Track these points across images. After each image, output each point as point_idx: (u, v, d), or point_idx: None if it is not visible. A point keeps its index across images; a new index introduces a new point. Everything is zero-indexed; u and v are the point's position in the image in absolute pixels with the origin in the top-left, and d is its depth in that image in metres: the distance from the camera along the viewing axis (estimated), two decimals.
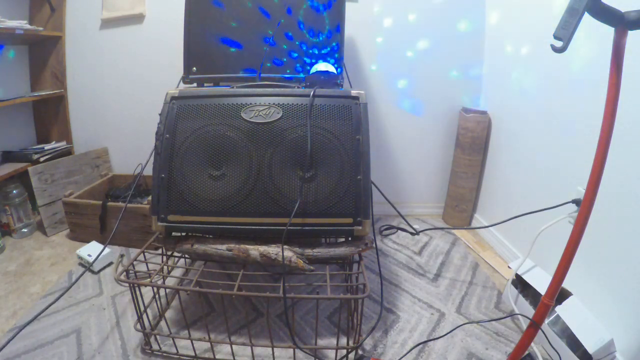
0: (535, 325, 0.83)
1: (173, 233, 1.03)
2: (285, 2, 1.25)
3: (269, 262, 0.94)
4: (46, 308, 1.01)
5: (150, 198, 1.60)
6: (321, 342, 1.05)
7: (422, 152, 1.86)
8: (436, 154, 1.87)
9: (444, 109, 1.78)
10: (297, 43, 1.26)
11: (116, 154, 1.95)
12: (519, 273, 1.18)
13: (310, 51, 1.27)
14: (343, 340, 1.03)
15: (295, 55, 1.27)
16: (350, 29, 1.55)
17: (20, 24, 1.48)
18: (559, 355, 0.97)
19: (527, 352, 0.94)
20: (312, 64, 1.25)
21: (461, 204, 1.78)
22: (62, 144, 1.83)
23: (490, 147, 1.69)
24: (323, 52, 1.27)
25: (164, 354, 0.99)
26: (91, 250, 1.40)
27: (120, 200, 1.61)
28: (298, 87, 1.09)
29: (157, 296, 1.02)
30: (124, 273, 0.93)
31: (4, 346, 0.92)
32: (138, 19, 1.70)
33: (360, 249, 0.99)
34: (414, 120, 1.80)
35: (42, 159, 1.66)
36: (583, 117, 1.10)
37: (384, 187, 1.39)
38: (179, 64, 1.31)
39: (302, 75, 1.27)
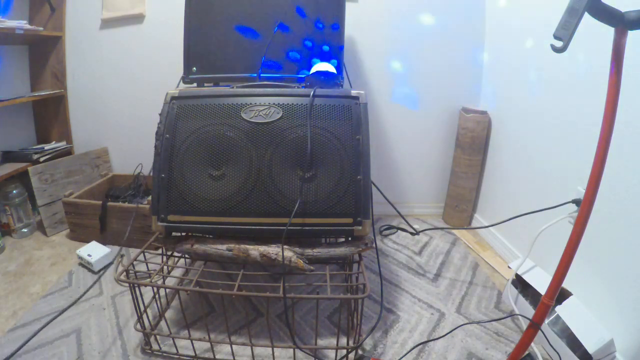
0: (535, 325, 0.83)
1: (173, 233, 1.03)
2: (286, 2, 1.25)
3: (269, 262, 0.94)
4: (63, 311, 1.01)
5: (150, 198, 1.61)
6: (321, 342, 1.05)
7: (422, 152, 1.86)
8: (436, 154, 1.87)
9: (444, 109, 1.78)
10: (297, 43, 1.26)
11: (116, 154, 1.95)
12: (519, 273, 1.18)
13: (311, 51, 1.27)
14: (343, 340, 1.03)
15: (296, 55, 1.27)
16: (350, 29, 1.55)
17: (20, 24, 1.47)
18: (559, 355, 0.97)
19: (527, 352, 0.94)
20: (312, 64, 1.25)
21: (461, 204, 1.78)
22: (62, 144, 1.83)
23: (490, 147, 1.69)
24: (323, 51, 1.27)
25: (164, 354, 0.99)
26: (91, 250, 1.40)
27: (120, 200, 1.61)
28: (298, 87, 1.09)
29: (157, 296, 1.02)
30: (124, 273, 0.93)
31: (17, 350, 0.90)
32: (138, 19, 1.69)
33: (360, 249, 0.99)
34: (414, 120, 1.80)
35: (42, 159, 1.66)
36: (583, 116, 1.10)
37: (384, 187, 1.39)
38: (179, 64, 1.31)
39: (303, 75, 1.27)
